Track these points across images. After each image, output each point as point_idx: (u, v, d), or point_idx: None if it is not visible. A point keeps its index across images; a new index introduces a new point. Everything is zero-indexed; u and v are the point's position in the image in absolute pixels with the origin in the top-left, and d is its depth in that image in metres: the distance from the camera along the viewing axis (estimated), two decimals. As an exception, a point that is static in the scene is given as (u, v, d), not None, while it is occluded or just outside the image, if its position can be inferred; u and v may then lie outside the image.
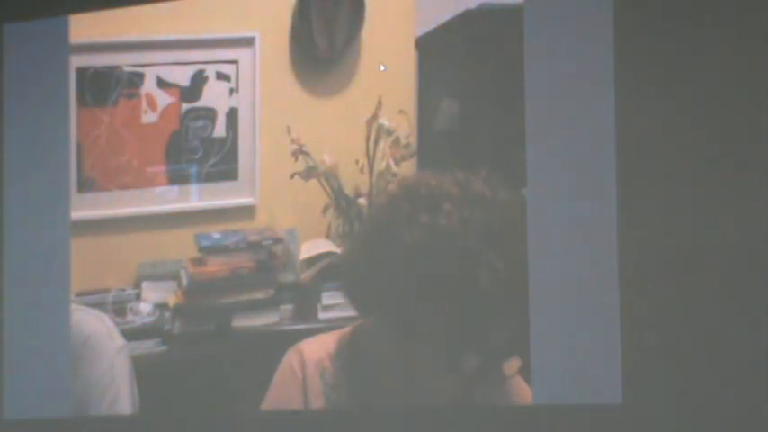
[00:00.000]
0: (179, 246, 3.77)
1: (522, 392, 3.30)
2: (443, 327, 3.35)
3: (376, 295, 3.46)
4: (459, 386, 3.34)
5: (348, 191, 3.60)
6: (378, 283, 3.44)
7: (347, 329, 3.54)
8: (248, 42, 3.75)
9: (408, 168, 3.54)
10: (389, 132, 3.56)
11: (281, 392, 3.52)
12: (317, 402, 3.49)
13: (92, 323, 3.82)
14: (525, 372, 3.32)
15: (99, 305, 3.83)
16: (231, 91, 3.77)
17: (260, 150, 3.73)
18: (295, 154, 3.66)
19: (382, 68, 3.61)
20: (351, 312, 3.56)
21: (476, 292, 3.30)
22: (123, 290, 3.83)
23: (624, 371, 3.20)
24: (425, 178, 3.45)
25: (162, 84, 3.84)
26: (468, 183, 3.37)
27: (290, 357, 3.52)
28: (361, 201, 3.59)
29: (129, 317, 3.81)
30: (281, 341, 3.58)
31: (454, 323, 3.33)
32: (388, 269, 3.41)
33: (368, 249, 3.48)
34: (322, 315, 3.61)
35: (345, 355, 3.49)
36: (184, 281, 3.76)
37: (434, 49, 3.55)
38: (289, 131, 3.66)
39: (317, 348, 3.51)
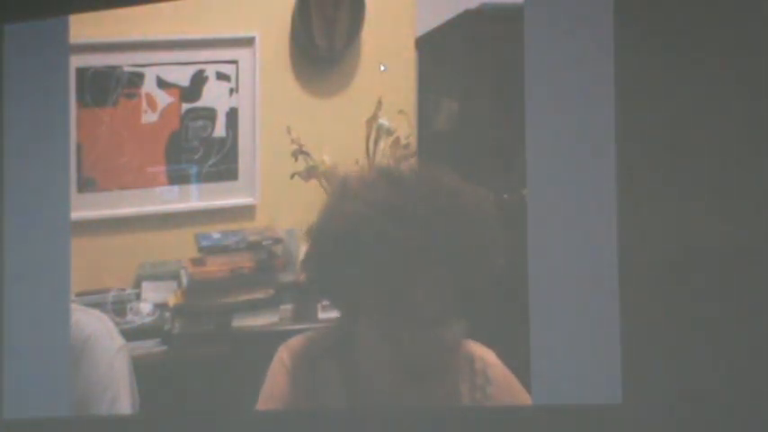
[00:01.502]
0: (179, 246, 3.77)
1: (481, 354, 3.37)
2: (376, 309, 3.44)
3: (326, 291, 3.59)
4: (400, 357, 3.40)
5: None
6: (323, 273, 3.57)
7: (334, 324, 3.56)
8: (248, 42, 3.75)
9: (405, 166, 3.54)
10: (389, 132, 3.56)
11: (272, 387, 3.54)
12: (307, 395, 3.51)
13: (92, 323, 3.82)
14: (525, 372, 3.32)
15: (99, 305, 3.83)
16: (231, 91, 3.77)
17: (260, 150, 3.73)
18: (295, 154, 3.65)
19: (382, 68, 3.61)
20: (351, 312, 3.57)
21: (397, 266, 3.42)
22: (123, 290, 3.82)
23: (624, 371, 3.20)
24: (356, 171, 3.57)
25: (162, 84, 3.84)
26: (386, 169, 3.51)
27: (280, 353, 3.54)
28: (361, 201, 3.60)
29: (129, 317, 3.81)
30: (281, 341, 3.58)
31: (384, 303, 3.42)
32: (326, 258, 3.53)
33: (312, 247, 3.58)
34: (322, 315, 3.61)
35: (333, 348, 3.51)
36: (184, 281, 3.76)
37: (434, 49, 3.55)
38: (289, 131, 3.66)
39: (306, 343, 3.54)
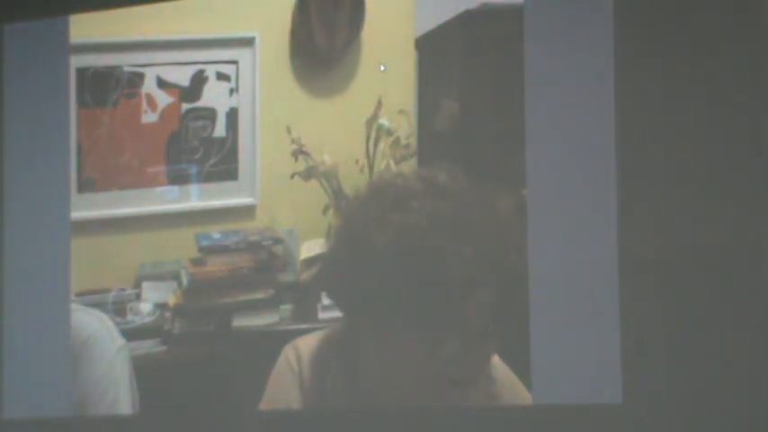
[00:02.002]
0: (179, 246, 3.77)
1: (508, 379, 3.34)
2: (419, 319, 3.38)
3: (354, 297, 3.49)
4: (440, 373, 3.36)
5: (348, 191, 3.60)
6: (354, 285, 3.47)
7: (341, 325, 3.55)
8: (248, 42, 3.75)
9: (408, 168, 3.54)
10: (389, 132, 3.56)
11: (279, 387, 3.53)
12: (314, 396, 3.49)
13: (92, 323, 3.82)
14: (525, 372, 3.32)
15: (99, 305, 3.83)
16: (231, 91, 3.77)
17: (260, 150, 3.73)
18: (295, 154, 3.66)
19: (382, 68, 3.61)
20: (351, 312, 3.57)
21: (447, 281, 3.34)
22: (123, 290, 3.82)
23: (624, 371, 3.20)
24: (392, 178, 3.49)
25: (162, 84, 3.84)
26: (433, 178, 3.42)
27: (287, 353, 3.53)
28: (361, 201, 3.60)
29: (129, 317, 3.81)
30: (281, 341, 3.58)
31: (429, 314, 3.37)
32: (363, 271, 3.43)
33: (343, 253, 3.50)
34: (322, 315, 3.61)
35: (340, 350, 3.50)
36: (184, 281, 3.76)
37: (434, 49, 3.55)
38: (289, 131, 3.66)
39: (313, 343, 3.52)
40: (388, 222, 3.39)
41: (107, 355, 3.79)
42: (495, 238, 3.35)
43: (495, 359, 3.35)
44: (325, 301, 3.61)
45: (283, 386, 3.52)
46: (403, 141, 3.55)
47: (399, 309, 3.41)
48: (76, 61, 3.93)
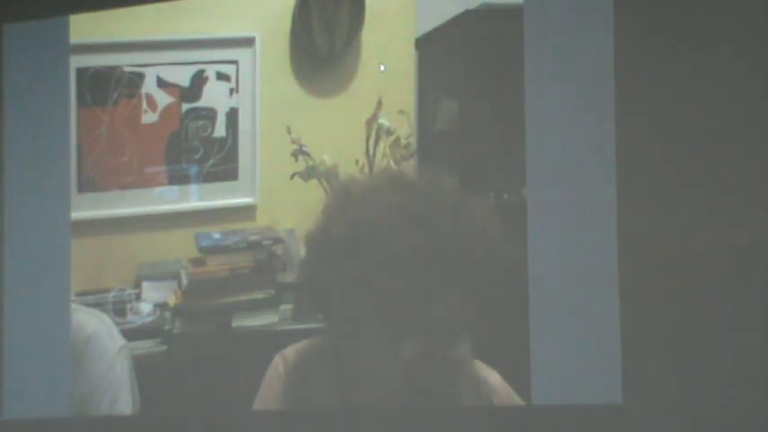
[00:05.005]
0: (179, 246, 3.77)
1: (486, 376, 3.32)
2: (380, 316, 3.37)
3: (318, 295, 3.51)
4: (402, 375, 3.35)
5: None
6: (318, 283, 3.48)
7: (330, 334, 3.54)
8: (248, 42, 3.75)
9: (408, 168, 3.54)
10: (389, 132, 3.57)
11: (267, 395, 3.52)
12: (301, 405, 3.49)
13: (92, 323, 3.82)
14: (525, 372, 3.32)
15: (99, 305, 3.83)
16: (231, 91, 3.77)
17: (260, 150, 3.73)
18: (295, 154, 3.66)
19: (382, 68, 3.61)
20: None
21: (409, 276, 3.32)
22: (123, 290, 3.83)
23: (624, 371, 3.20)
24: (361, 176, 3.51)
25: (162, 84, 3.84)
26: (400, 175, 3.44)
27: (275, 361, 3.52)
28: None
29: (129, 317, 3.81)
30: (281, 341, 3.58)
31: (390, 311, 3.35)
32: (325, 268, 3.44)
33: (308, 250, 3.51)
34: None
35: (327, 358, 3.49)
36: (184, 281, 3.76)
37: (434, 49, 3.55)
38: (289, 131, 3.66)
39: (301, 351, 3.52)
40: (346, 215, 3.39)
41: (107, 354, 3.79)
42: (461, 235, 3.33)
43: (496, 380, 3.32)
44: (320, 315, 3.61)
45: (272, 394, 3.52)
46: (403, 141, 3.55)
47: (357, 306, 3.39)
48: (76, 61, 3.93)
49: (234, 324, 3.70)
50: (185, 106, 3.82)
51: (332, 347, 3.48)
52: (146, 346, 3.78)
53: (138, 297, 3.81)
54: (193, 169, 3.80)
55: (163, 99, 3.84)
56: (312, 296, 3.54)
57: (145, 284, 3.81)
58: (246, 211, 3.73)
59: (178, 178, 3.81)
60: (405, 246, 3.33)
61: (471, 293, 3.33)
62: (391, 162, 3.56)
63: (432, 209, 3.35)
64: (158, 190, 3.83)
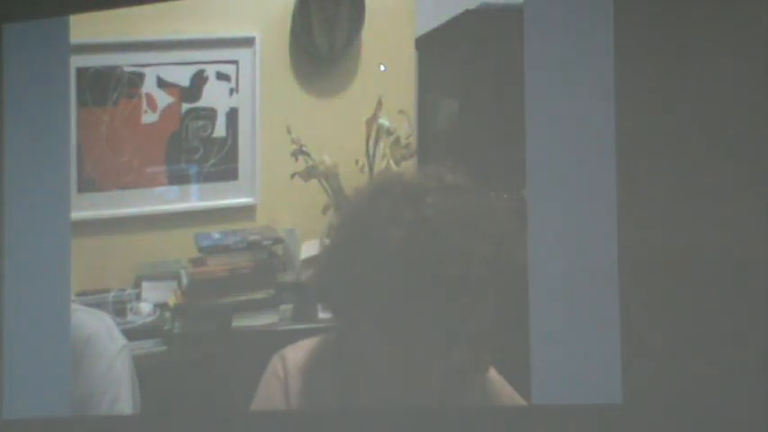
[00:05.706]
0: (179, 246, 3.77)
1: (491, 376, 3.32)
2: (433, 321, 3.34)
3: (362, 297, 3.43)
4: (447, 380, 3.34)
5: (348, 191, 3.60)
6: (357, 287, 3.43)
7: (330, 334, 3.53)
8: (248, 42, 3.75)
9: (408, 168, 3.54)
10: (389, 132, 3.57)
11: (265, 395, 3.52)
12: (299, 405, 3.48)
13: (92, 323, 3.82)
14: (525, 372, 3.32)
15: (99, 305, 3.83)
16: (231, 91, 3.77)
17: (260, 150, 3.73)
18: (295, 154, 3.66)
19: (382, 68, 3.61)
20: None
21: (467, 282, 3.29)
22: (123, 290, 3.83)
23: (624, 371, 3.20)
24: (397, 176, 3.47)
25: (162, 84, 3.84)
26: (441, 175, 3.39)
27: (274, 362, 3.52)
28: (361, 201, 3.59)
29: (129, 317, 3.81)
30: (281, 341, 3.58)
31: (445, 316, 3.33)
32: (375, 268, 3.38)
33: (345, 253, 3.45)
34: (322, 315, 3.61)
35: (328, 358, 3.48)
36: (184, 281, 3.77)
37: (434, 49, 3.55)
38: (289, 131, 3.66)
39: (300, 352, 3.51)
40: (402, 217, 3.34)
41: (108, 354, 3.79)
42: (498, 237, 3.33)
43: (492, 373, 3.33)
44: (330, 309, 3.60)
45: (270, 394, 3.51)
46: (403, 141, 3.55)
47: (409, 310, 3.37)
48: (76, 61, 3.93)
49: (234, 324, 3.70)
50: (185, 106, 3.82)
51: (337, 351, 3.47)
52: (146, 346, 3.78)
53: (138, 297, 3.81)
54: (193, 169, 3.80)
55: (163, 99, 3.84)
56: (344, 299, 3.46)
57: (145, 284, 3.81)
58: (246, 211, 3.73)
59: (178, 178, 3.81)
60: (458, 250, 3.30)
61: (501, 298, 3.31)
62: (391, 162, 3.56)
63: (487, 216, 3.33)
64: (158, 190, 3.83)
